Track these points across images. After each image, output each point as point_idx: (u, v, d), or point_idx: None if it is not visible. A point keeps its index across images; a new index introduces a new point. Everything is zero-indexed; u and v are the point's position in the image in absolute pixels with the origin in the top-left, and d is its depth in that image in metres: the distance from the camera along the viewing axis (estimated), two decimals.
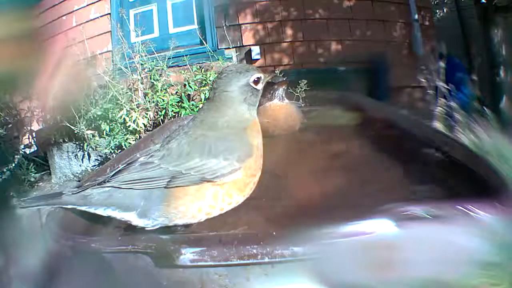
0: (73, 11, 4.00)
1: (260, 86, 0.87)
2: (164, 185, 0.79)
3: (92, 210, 0.80)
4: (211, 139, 0.81)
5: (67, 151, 3.47)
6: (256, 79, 0.86)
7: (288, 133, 1.36)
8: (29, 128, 3.62)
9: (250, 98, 0.86)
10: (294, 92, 1.85)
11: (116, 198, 0.79)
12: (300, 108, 1.49)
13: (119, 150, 3.18)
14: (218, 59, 3.51)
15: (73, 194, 0.80)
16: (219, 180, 0.79)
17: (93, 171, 3.12)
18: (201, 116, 0.87)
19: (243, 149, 0.81)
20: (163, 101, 3.30)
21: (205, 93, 3.24)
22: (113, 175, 0.82)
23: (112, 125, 3.26)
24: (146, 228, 0.80)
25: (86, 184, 0.83)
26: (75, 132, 3.28)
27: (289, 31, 3.89)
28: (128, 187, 0.79)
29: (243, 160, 0.80)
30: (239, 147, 0.81)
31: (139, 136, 3.22)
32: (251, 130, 0.84)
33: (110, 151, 3.25)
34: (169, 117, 3.27)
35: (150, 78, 3.40)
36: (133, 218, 0.80)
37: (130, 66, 3.42)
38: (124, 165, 0.84)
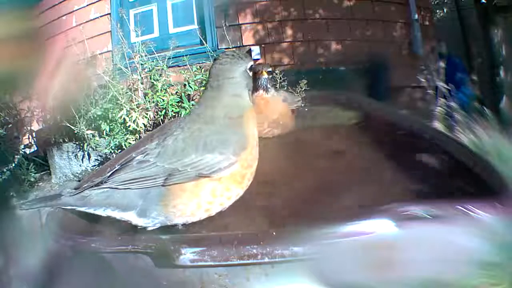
0: (73, 11, 4.00)
1: (251, 73, 0.89)
2: (161, 183, 0.78)
3: (91, 211, 0.80)
4: (206, 133, 0.81)
5: (67, 151, 3.47)
6: (251, 66, 0.88)
7: (282, 131, 1.32)
8: (29, 128, 3.62)
9: (249, 83, 0.87)
10: (294, 92, 1.86)
11: (114, 198, 0.79)
12: (291, 100, 1.43)
13: (119, 150, 3.18)
14: None
15: (71, 195, 0.80)
16: (216, 175, 0.78)
17: (92, 171, 3.12)
18: (198, 109, 0.87)
19: (238, 142, 0.81)
20: (163, 101, 3.29)
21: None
22: (110, 175, 0.82)
23: (112, 125, 3.26)
24: (148, 228, 0.80)
25: (85, 185, 0.83)
26: (75, 132, 3.28)
27: (289, 31, 3.89)
28: (125, 187, 0.79)
29: (239, 153, 0.80)
30: (234, 140, 0.81)
31: (139, 136, 3.22)
32: (247, 118, 0.84)
33: (110, 151, 3.25)
34: (169, 117, 3.27)
35: (150, 78, 3.40)
36: (132, 218, 0.79)
37: (130, 66, 3.42)
38: (121, 164, 0.84)
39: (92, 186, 0.81)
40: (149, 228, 0.80)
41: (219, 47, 3.82)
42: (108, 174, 0.82)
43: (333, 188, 0.95)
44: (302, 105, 1.66)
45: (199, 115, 0.85)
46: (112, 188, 0.80)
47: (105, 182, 0.81)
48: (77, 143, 3.41)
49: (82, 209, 0.81)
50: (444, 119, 2.58)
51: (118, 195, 0.79)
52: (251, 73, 0.87)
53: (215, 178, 0.78)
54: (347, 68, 3.73)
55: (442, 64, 3.00)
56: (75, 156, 3.45)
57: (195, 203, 0.78)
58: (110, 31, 3.94)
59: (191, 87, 3.37)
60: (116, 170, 0.83)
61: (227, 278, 0.63)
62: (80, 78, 3.23)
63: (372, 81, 3.63)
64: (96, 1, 3.99)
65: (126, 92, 3.32)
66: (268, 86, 1.32)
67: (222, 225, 0.82)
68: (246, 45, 3.86)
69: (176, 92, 3.45)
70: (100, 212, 0.80)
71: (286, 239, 0.63)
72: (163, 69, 3.38)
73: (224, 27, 3.83)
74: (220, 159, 0.78)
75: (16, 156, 3.29)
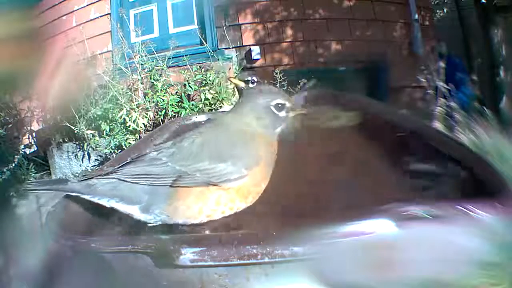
0: (73, 11, 4.01)
1: (283, 114, 0.84)
2: (169, 184, 0.78)
3: (95, 200, 0.80)
4: (222, 143, 0.81)
5: (67, 151, 3.47)
6: (279, 104, 0.84)
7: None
8: (29, 128, 3.63)
9: (266, 120, 0.83)
10: (294, 92, 1.86)
11: (120, 190, 0.79)
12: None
13: (119, 150, 3.18)
14: (218, 59, 3.51)
15: (78, 181, 0.81)
16: (225, 185, 0.78)
17: (92, 171, 3.12)
18: (219, 119, 0.87)
19: (252, 157, 0.80)
20: (163, 101, 3.30)
21: (205, 93, 3.25)
22: (120, 167, 0.81)
23: (112, 125, 3.27)
24: (149, 224, 0.80)
25: (92, 173, 0.83)
26: (75, 132, 3.29)
27: (289, 31, 3.90)
28: (133, 181, 0.79)
29: (251, 167, 0.79)
30: (248, 154, 0.80)
31: (139, 136, 3.22)
32: (264, 142, 0.83)
33: (110, 151, 3.25)
34: (169, 117, 3.27)
35: (150, 78, 3.40)
36: (135, 212, 0.79)
37: (130, 66, 3.42)
38: (132, 158, 0.84)
39: (100, 175, 0.81)
40: (150, 225, 0.80)
41: (219, 47, 3.83)
42: (119, 166, 0.82)
43: (332, 188, 0.96)
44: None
45: (218, 126, 0.86)
46: (120, 180, 0.79)
47: (114, 173, 0.80)
48: (77, 143, 3.42)
49: (87, 197, 0.80)
50: (444, 119, 2.58)
51: (125, 187, 0.79)
52: (280, 112, 0.83)
53: (223, 188, 0.78)
54: (347, 68, 3.73)
55: (442, 64, 3.00)
56: (75, 156, 3.46)
57: (198, 207, 0.78)
58: (110, 31, 3.95)
59: (191, 87, 3.37)
60: (127, 162, 0.83)
61: (227, 278, 0.63)
62: (80, 78, 3.23)
63: (372, 81, 3.64)
64: (96, 1, 4.00)
65: (126, 92, 3.33)
66: None
67: (222, 225, 0.82)
68: (246, 45, 3.86)
69: (176, 92, 3.46)
70: (104, 202, 0.80)
71: (286, 239, 0.63)
72: (163, 69, 3.38)
73: (224, 27, 3.83)
74: (231, 170, 0.78)
75: (16, 156, 3.29)
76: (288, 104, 0.85)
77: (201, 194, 0.78)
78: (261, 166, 0.81)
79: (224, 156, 0.79)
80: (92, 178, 0.81)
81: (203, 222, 0.80)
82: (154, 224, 0.80)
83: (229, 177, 0.78)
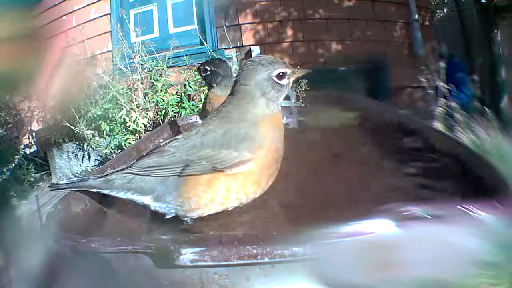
0: (73, 11, 4.00)
1: (285, 81, 0.85)
2: (178, 173, 0.81)
3: (113, 194, 0.86)
4: (224, 131, 0.83)
5: (67, 151, 3.47)
6: (280, 74, 0.84)
7: None
8: (29, 128, 3.63)
9: (270, 93, 0.84)
10: (295, 92, 1.86)
11: (135, 183, 0.84)
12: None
13: (119, 150, 3.18)
14: None
15: (98, 178, 0.86)
16: (230, 170, 0.80)
17: (92, 171, 3.12)
18: (221, 109, 0.89)
19: (255, 141, 0.82)
20: (163, 101, 3.30)
21: (205, 93, 3.24)
22: (135, 161, 0.86)
23: (112, 125, 3.26)
24: (166, 216, 0.83)
25: (110, 170, 0.89)
26: (75, 132, 3.28)
27: (289, 31, 3.89)
28: (145, 174, 0.84)
29: (255, 151, 0.81)
30: (250, 139, 0.82)
31: (139, 136, 3.22)
32: (268, 123, 0.84)
33: (110, 151, 3.25)
34: (169, 117, 3.27)
35: (150, 78, 3.40)
36: (149, 202, 0.84)
37: (130, 66, 3.42)
38: (148, 151, 0.89)
39: (117, 171, 0.87)
40: (166, 216, 0.84)
41: (219, 47, 3.83)
42: (134, 160, 0.87)
43: (332, 189, 0.96)
44: (302, 105, 1.66)
45: (220, 115, 0.87)
46: (134, 173, 0.84)
47: (130, 167, 0.85)
48: (77, 143, 3.42)
49: (106, 191, 0.86)
50: (444, 119, 2.59)
51: (139, 180, 0.84)
52: (282, 81, 0.84)
53: (230, 174, 0.80)
54: (347, 68, 3.73)
55: (442, 64, 3.00)
56: (75, 156, 3.45)
57: (209, 196, 0.80)
58: (110, 31, 3.94)
59: (191, 87, 3.37)
60: (142, 156, 0.88)
61: (227, 278, 0.63)
62: (80, 78, 3.23)
63: (372, 81, 3.63)
64: (96, 1, 4.00)
65: (126, 92, 3.32)
66: (210, 83, 1.31)
67: (222, 225, 0.82)
68: (246, 45, 3.86)
69: (176, 92, 3.46)
70: (121, 195, 0.85)
71: (286, 239, 0.63)
72: (163, 69, 3.38)
73: (224, 27, 3.83)
74: (234, 155, 0.80)
75: (16, 156, 3.29)
76: (289, 71, 0.86)
77: (209, 183, 0.80)
78: (267, 148, 0.82)
79: (227, 143, 0.82)
80: (109, 174, 0.87)
81: (218, 211, 0.82)
82: (169, 215, 0.83)
83: (234, 162, 0.80)
